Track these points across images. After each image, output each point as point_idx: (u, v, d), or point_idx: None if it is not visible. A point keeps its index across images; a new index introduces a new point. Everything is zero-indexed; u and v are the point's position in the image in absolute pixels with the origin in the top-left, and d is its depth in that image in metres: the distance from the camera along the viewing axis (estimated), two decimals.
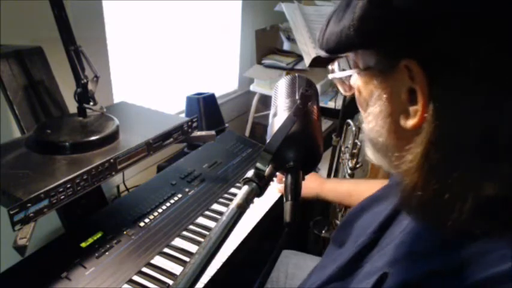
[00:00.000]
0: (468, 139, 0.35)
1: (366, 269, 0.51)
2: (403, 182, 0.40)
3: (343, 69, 0.51)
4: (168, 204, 0.99)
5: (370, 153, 0.48)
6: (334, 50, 0.44)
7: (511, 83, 0.34)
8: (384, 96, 0.42)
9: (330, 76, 0.53)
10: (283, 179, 0.44)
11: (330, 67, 0.54)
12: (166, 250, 0.87)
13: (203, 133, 1.08)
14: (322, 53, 0.48)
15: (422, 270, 0.39)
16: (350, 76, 0.50)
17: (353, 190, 1.01)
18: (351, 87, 0.50)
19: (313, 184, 1.07)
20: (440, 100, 0.36)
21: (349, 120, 1.35)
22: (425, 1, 0.34)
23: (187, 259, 0.84)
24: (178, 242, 0.89)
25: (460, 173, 0.36)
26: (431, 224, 0.41)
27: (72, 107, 0.95)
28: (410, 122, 0.39)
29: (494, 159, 0.35)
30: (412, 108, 0.39)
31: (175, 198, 1.01)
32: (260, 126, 1.98)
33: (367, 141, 0.48)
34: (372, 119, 0.44)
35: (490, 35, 0.33)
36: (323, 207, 1.50)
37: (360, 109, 0.49)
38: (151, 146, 0.91)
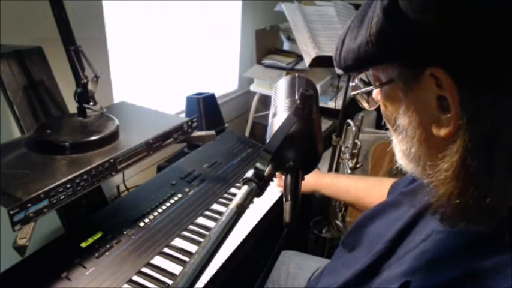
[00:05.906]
0: (507, 141, 0.34)
1: (384, 277, 0.51)
2: (437, 192, 0.39)
3: (365, 85, 0.50)
4: (168, 204, 0.99)
5: (404, 164, 0.47)
6: (353, 67, 0.44)
7: None
8: (412, 107, 0.41)
9: (353, 93, 0.53)
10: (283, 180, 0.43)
11: (351, 84, 0.54)
12: (166, 250, 0.87)
13: (203, 133, 1.08)
14: (340, 72, 0.48)
15: (445, 277, 0.39)
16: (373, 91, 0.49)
17: (351, 187, 1.01)
18: (375, 101, 0.50)
19: (311, 179, 1.05)
20: (474, 104, 0.35)
21: (349, 120, 1.35)
22: (444, 11, 0.33)
23: (187, 259, 0.84)
24: (178, 242, 0.89)
25: (500, 177, 0.35)
26: (471, 228, 0.39)
27: (72, 107, 0.95)
28: (444, 131, 0.38)
29: None
30: (444, 117, 0.38)
31: (175, 198, 1.01)
32: (260, 126, 1.97)
33: (398, 152, 0.47)
34: (402, 130, 0.44)
35: None
36: (323, 207, 1.50)
37: (387, 123, 0.49)
38: (151, 146, 0.91)
